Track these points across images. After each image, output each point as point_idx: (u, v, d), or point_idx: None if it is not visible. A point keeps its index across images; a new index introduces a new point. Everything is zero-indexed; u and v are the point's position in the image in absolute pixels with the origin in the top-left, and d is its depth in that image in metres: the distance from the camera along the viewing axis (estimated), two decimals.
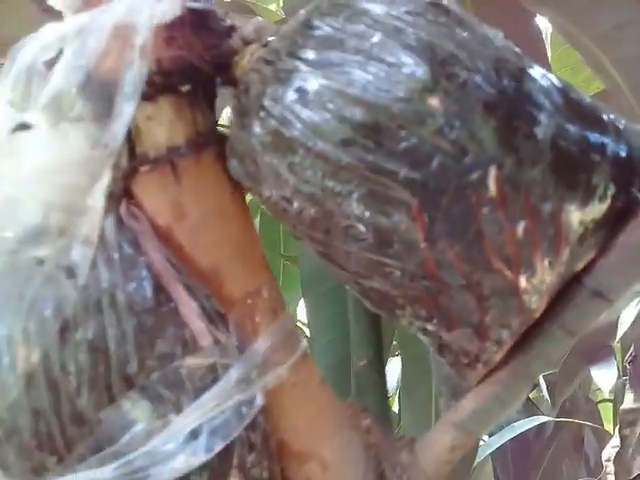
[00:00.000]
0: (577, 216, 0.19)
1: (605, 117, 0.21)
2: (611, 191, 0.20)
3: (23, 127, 0.18)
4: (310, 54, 0.19)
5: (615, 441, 0.87)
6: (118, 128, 0.18)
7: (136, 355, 0.20)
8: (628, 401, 0.86)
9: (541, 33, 0.39)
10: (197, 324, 0.20)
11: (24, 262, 0.19)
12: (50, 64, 0.21)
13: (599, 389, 1.25)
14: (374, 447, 0.25)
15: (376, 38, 0.19)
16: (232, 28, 0.22)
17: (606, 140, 0.20)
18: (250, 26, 0.22)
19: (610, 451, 0.87)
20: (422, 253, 0.20)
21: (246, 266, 0.23)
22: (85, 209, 0.18)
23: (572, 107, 0.20)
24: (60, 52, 0.21)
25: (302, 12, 0.21)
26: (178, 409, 0.20)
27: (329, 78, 0.19)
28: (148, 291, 0.21)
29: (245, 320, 0.23)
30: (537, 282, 0.20)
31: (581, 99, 0.21)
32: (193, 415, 0.20)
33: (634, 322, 0.89)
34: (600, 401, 1.19)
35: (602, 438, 1.10)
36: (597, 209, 0.20)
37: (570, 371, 1.02)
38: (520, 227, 0.19)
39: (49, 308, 0.19)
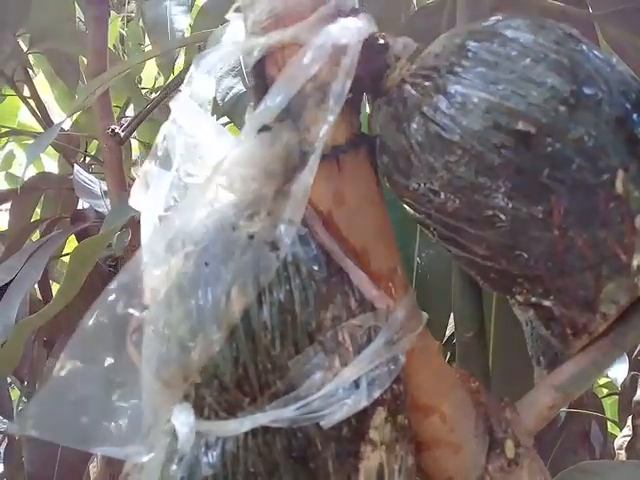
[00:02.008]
0: None
1: None
2: None
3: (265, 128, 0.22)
4: (468, 72, 0.24)
5: (626, 431, 0.92)
6: (322, 131, 0.22)
7: (315, 316, 0.24)
8: None
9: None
10: (373, 291, 0.25)
11: (240, 236, 0.23)
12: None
13: (600, 386, 1.30)
14: (482, 405, 0.29)
15: (527, 61, 0.23)
16: (386, 45, 0.26)
17: None
18: (400, 45, 0.27)
19: (622, 440, 0.92)
20: (553, 239, 0.24)
21: (387, 247, 0.28)
22: (289, 195, 0.22)
23: None
24: (239, 61, 0.25)
25: (456, 35, 0.25)
26: (344, 363, 0.25)
27: (487, 92, 0.23)
28: (322, 264, 0.25)
29: (388, 292, 0.27)
30: None
31: None
32: (355, 368, 0.25)
33: None
34: (604, 396, 1.24)
35: (605, 430, 1.15)
36: None
37: None
38: (638, 219, 0.23)
39: (252, 274, 0.23)
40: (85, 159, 1.29)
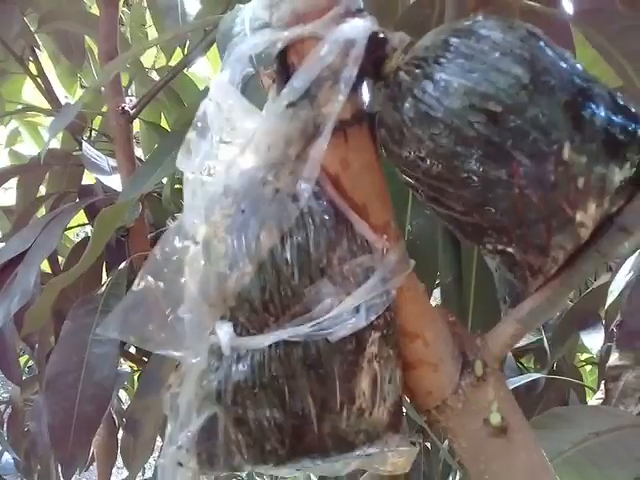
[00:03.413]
0: (616, 176, 0.30)
1: (636, 111, 0.31)
2: (638, 160, 0.30)
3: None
4: (450, 63, 0.30)
5: (599, 394, 0.99)
6: (334, 108, 0.28)
7: (326, 255, 0.30)
8: (613, 360, 0.99)
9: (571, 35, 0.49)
10: (371, 235, 0.31)
11: (268, 190, 0.29)
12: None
13: (582, 361, 1.38)
14: (458, 334, 0.36)
15: (496, 55, 0.29)
16: (385, 39, 0.32)
17: (637, 127, 0.30)
18: (396, 39, 0.33)
19: (595, 402, 0.99)
20: (515, 196, 0.30)
21: (383, 204, 0.34)
22: (307, 158, 0.29)
23: (616, 105, 0.31)
24: (267, 49, 0.32)
25: (442, 32, 0.31)
26: (347, 293, 0.31)
27: (465, 79, 0.29)
28: (331, 215, 0.31)
29: (385, 240, 0.33)
30: (587, 218, 0.31)
31: (621, 99, 0.31)
32: (356, 297, 0.31)
33: (621, 292, 1.01)
34: (582, 365, 1.32)
35: (584, 398, 1.23)
36: (628, 172, 0.30)
37: (563, 334, 1.15)
38: (581, 181, 0.30)
39: (276, 221, 0.29)
40: (91, 135, 1.33)
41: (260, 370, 0.31)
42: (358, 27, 0.29)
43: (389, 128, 0.32)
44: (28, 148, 1.77)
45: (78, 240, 1.39)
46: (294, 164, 0.29)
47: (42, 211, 1.28)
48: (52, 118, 1.56)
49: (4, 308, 0.90)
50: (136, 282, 0.29)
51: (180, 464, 0.32)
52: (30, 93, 1.60)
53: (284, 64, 0.32)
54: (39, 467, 1.47)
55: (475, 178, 0.30)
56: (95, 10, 1.31)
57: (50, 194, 1.28)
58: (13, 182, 1.35)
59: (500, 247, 0.33)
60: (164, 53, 1.29)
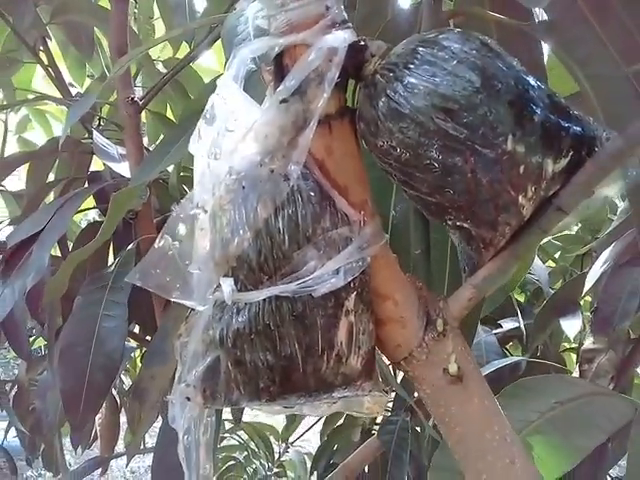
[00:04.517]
0: (551, 165, 0.36)
1: (571, 112, 0.38)
2: (571, 152, 0.37)
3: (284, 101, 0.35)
4: (417, 68, 0.36)
5: (575, 375, 1.06)
6: (319, 104, 0.35)
7: (311, 226, 0.37)
8: (588, 343, 1.05)
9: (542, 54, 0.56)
10: (350, 210, 0.38)
11: (264, 170, 0.35)
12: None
13: (568, 348, 1.45)
14: (423, 297, 0.42)
15: (454, 63, 0.35)
16: (365, 46, 0.39)
17: (570, 124, 0.37)
18: (375, 46, 0.39)
19: None
20: (468, 180, 0.37)
21: (361, 186, 0.40)
22: (297, 145, 0.35)
23: (554, 105, 0.37)
24: (265, 54, 0.38)
25: (411, 42, 0.37)
26: (329, 258, 0.37)
27: (427, 82, 0.36)
28: (317, 193, 0.37)
29: (362, 215, 0.39)
30: (527, 199, 0.37)
31: (559, 100, 0.38)
32: (336, 262, 0.37)
33: (597, 282, 1.07)
34: (564, 350, 1.39)
35: None
36: (562, 162, 0.37)
37: (544, 321, 1.22)
38: (521, 168, 0.36)
39: (271, 196, 0.36)
40: (100, 123, 1.39)
41: (255, 320, 0.37)
42: (339, 38, 0.35)
43: (367, 122, 0.38)
44: (35, 135, 1.83)
45: (83, 225, 1.46)
46: (286, 150, 0.36)
47: (50, 197, 1.33)
48: (61, 107, 1.62)
49: (20, 284, 0.96)
50: (157, 240, 0.35)
51: (188, 399, 0.39)
52: (39, 82, 1.66)
53: (280, 65, 0.38)
54: (43, 445, 1.54)
55: (436, 164, 0.37)
56: (104, 3, 1.36)
57: (59, 180, 1.33)
58: (22, 168, 1.41)
59: (458, 223, 0.39)
60: (171, 46, 1.35)
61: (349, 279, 0.38)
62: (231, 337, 0.37)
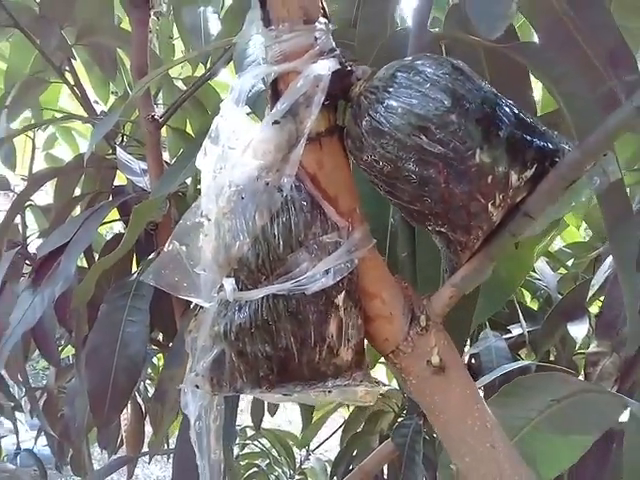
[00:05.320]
0: (517, 175, 0.41)
1: (537, 127, 0.42)
2: (535, 164, 0.41)
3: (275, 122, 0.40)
4: (396, 91, 0.41)
5: (581, 377, 1.09)
6: (308, 124, 0.40)
7: (303, 232, 0.42)
8: (593, 346, 1.08)
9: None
10: (337, 217, 0.42)
11: (261, 183, 0.40)
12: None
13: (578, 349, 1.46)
14: (409, 296, 0.47)
15: (428, 85, 0.40)
16: (351, 71, 0.44)
17: (534, 139, 0.41)
18: (360, 71, 0.44)
19: None
20: (442, 190, 0.41)
21: (350, 196, 0.45)
22: (289, 160, 0.40)
23: (519, 121, 0.41)
24: (264, 79, 0.43)
25: (392, 67, 0.42)
26: (320, 260, 0.42)
27: (404, 103, 0.40)
28: (309, 202, 0.42)
29: (349, 222, 0.44)
30: (496, 206, 0.41)
31: (525, 117, 0.42)
32: (326, 263, 0.42)
33: (601, 287, 1.10)
34: (576, 354, 1.41)
35: None
36: (528, 172, 0.41)
37: (551, 326, 1.24)
38: (489, 178, 0.40)
39: (267, 205, 0.41)
40: (123, 140, 1.46)
41: (255, 315, 0.42)
42: (325, 66, 0.40)
43: (353, 138, 0.43)
44: (61, 151, 1.92)
45: (109, 237, 1.53)
46: (280, 164, 0.40)
47: (77, 210, 1.40)
48: (86, 124, 1.69)
49: (49, 292, 1.03)
50: (166, 245, 0.40)
51: (197, 387, 0.44)
52: (65, 100, 1.74)
53: (275, 90, 0.43)
54: (71, 450, 1.60)
55: (414, 176, 0.41)
56: (125, 25, 1.44)
57: (85, 194, 1.40)
58: (49, 183, 1.48)
59: (437, 228, 0.44)
60: (190, 65, 1.42)
61: (338, 279, 0.42)
62: (234, 331, 0.42)
